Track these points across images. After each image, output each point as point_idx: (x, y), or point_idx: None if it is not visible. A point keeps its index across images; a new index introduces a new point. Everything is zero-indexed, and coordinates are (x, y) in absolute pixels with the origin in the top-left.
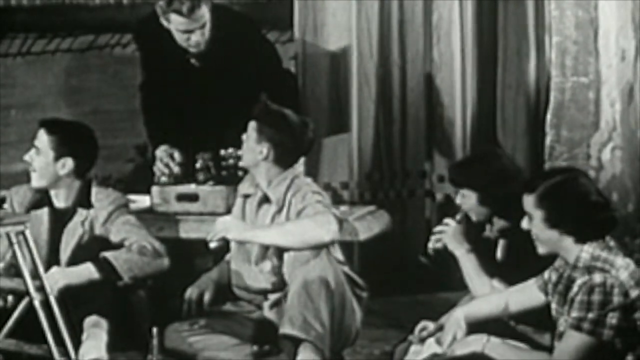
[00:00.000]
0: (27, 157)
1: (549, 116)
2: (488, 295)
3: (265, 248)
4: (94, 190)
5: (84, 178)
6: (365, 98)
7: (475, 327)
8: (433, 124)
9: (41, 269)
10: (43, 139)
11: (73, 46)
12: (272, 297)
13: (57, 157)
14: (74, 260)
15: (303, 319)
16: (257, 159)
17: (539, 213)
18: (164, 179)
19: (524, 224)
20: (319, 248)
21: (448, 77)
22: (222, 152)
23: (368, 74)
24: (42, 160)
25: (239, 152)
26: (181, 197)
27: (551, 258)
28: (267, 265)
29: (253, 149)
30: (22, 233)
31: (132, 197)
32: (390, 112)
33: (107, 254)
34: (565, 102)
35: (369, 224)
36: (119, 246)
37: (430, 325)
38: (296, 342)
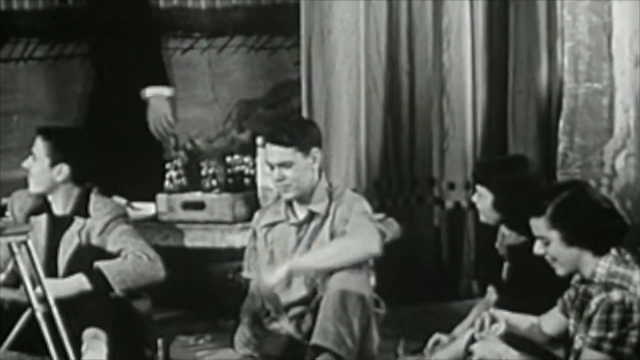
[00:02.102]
0: (25, 164)
1: (561, 123)
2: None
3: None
4: (93, 199)
5: (83, 185)
6: (373, 104)
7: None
8: (442, 131)
9: (44, 280)
10: (39, 145)
11: (76, 52)
12: (294, 309)
13: (53, 164)
14: (70, 270)
15: (337, 331)
16: None
17: (554, 234)
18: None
19: (537, 249)
20: (366, 260)
21: (458, 82)
22: (228, 159)
23: (376, 80)
24: (39, 166)
25: (246, 159)
26: (187, 205)
27: (559, 283)
28: (301, 279)
29: None
30: (24, 243)
31: (136, 204)
32: (399, 118)
33: (100, 264)
34: (578, 109)
35: None
36: (115, 256)
37: (444, 338)
38: (317, 352)
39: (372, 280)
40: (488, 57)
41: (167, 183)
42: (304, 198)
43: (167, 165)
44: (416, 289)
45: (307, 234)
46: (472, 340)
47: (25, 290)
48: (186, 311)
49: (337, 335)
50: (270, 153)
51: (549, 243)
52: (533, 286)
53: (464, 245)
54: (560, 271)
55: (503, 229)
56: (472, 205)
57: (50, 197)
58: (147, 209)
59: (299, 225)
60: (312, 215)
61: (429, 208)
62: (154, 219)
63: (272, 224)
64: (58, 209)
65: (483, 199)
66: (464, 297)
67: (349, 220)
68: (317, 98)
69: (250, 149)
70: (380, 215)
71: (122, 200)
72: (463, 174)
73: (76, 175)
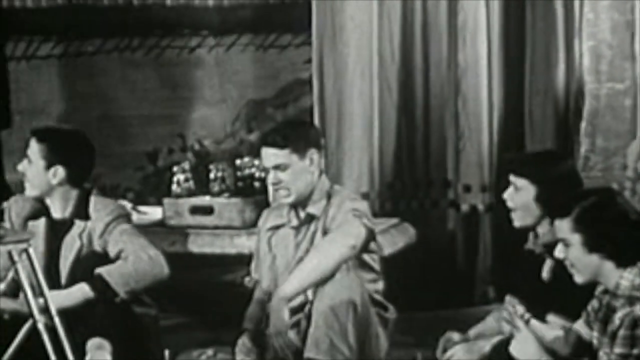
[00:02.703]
0: (20, 167)
1: (583, 124)
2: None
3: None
4: (93, 200)
5: (81, 187)
6: (387, 104)
7: None
8: (458, 132)
9: (46, 289)
10: (33, 147)
11: (80, 50)
12: (293, 317)
13: (48, 166)
14: (73, 275)
15: (329, 342)
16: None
17: (576, 237)
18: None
19: (558, 252)
20: (348, 259)
21: (474, 82)
22: (238, 161)
23: (390, 79)
24: (34, 169)
25: (256, 162)
26: (195, 210)
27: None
28: None
29: None
30: (25, 251)
31: (142, 208)
32: (413, 119)
33: (101, 270)
34: (600, 110)
35: (393, 238)
36: (116, 258)
37: (455, 336)
38: None
39: (380, 285)
40: (504, 56)
41: (174, 186)
42: (303, 201)
43: (175, 168)
44: (430, 295)
45: (306, 238)
46: (502, 344)
47: (26, 300)
48: (192, 318)
49: (331, 346)
50: (265, 156)
51: (570, 247)
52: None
53: (479, 250)
54: (578, 278)
55: (538, 228)
56: (488, 209)
57: (47, 201)
58: (153, 213)
59: (297, 229)
60: (310, 218)
61: (443, 211)
62: (161, 223)
63: (276, 227)
64: (56, 213)
65: (522, 192)
66: (479, 304)
67: (335, 219)
68: (329, 98)
69: (259, 151)
70: (395, 220)
71: (128, 204)
72: (479, 176)
73: (73, 177)
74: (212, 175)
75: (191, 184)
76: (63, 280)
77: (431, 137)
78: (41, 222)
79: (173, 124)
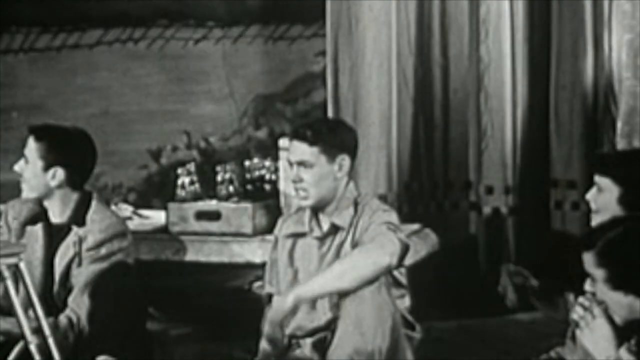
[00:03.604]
0: (16, 167)
1: (619, 124)
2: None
3: None
4: (93, 206)
5: (81, 190)
6: (404, 101)
7: None
8: (480, 130)
9: (39, 308)
10: (31, 146)
11: (80, 41)
12: (317, 335)
13: (47, 167)
14: (63, 286)
15: None
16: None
17: (600, 273)
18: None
19: (587, 286)
20: (380, 275)
21: (496, 77)
22: (247, 162)
23: (406, 74)
24: (31, 170)
25: (267, 163)
26: (201, 215)
27: None
28: (325, 301)
29: None
30: (16, 266)
31: (144, 212)
32: (431, 116)
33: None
34: (638, 108)
35: (415, 246)
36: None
37: None
38: None
39: (407, 301)
40: (529, 49)
41: (178, 190)
42: (324, 209)
43: (179, 170)
44: (450, 304)
45: (331, 251)
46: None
47: (17, 319)
48: (198, 329)
49: None
50: (292, 149)
51: (596, 282)
52: None
53: (503, 255)
54: (616, 317)
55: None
56: (512, 212)
57: (46, 203)
58: (156, 217)
59: (322, 240)
60: (335, 229)
61: (464, 214)
62: (164, 230)
63: (295, 235)
64: (55, 217)
65: (604, 193)
66: (503, 313)
67: (367, 231)
68: (344, 94)
69: (268, 148)
70: (415, 226)
71: (129, 208)
72: (502, 177)
73: (73, 179)
74: (219, 178)
75: (197, 187)
76: (55, 288)
77: (451, 135)
78: (39, 227)
79: (177, 120)
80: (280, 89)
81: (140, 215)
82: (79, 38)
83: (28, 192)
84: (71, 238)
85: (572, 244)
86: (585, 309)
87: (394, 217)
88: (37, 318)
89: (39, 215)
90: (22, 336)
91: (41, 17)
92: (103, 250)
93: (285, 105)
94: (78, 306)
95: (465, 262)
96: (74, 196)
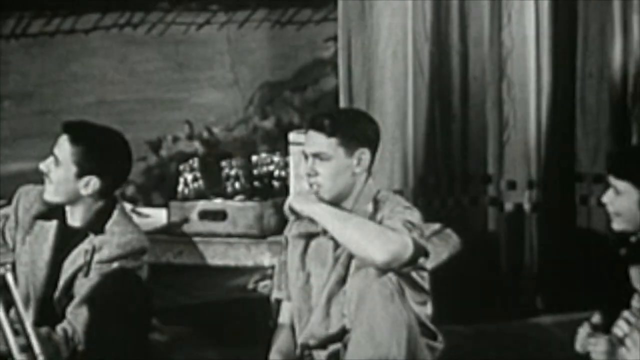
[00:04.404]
0: (42, 167)
1: None
2: None
3: (327, 279)
4: (115, 216)
5: (109, 198)
6: (420, 89)
7: None
8: (501, 120)
9: (28, 325)
10: (65, 148)
11: (75, 26)
12: (332, 346)
13: (81, 174)
14: (66, 295)
15: None
16: None
17: None
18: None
19: (635, 302)
20: (367, 265)
21: (519, 64)
22: (254, 158)
23: (422, 61)
24: (62, 174)
25: (275, 158)
26: (205, 215)
27: None
28: (339, 309)
29: None
30: (2, 278)
31: (145, 210)
32: (449, 105)
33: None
34: None
35: (436, 249)
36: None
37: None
38: None
39: (429, 308)
40: (554, 34)
41: (181, 187)
42: (340, 206)
43: (181, 166)
44: (469, 306)
45: (346, 251)
46: None
47: (4, 336)
48: (201, 334)
49: None
50: (307, 139)
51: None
52: None
53: (525, 255)
54: None
55: None
56: (535, 208)
57: (68, 207)
58: (157, 216)
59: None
60: None
61: (484, 210)
62: (166, 230)
63: (308, 236)
64: (74, 220)
65: (622, 197)
66: (525, 316)
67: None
68: (357, 83)
69: (275, 139)
70: (436, 226)
71: (127, 206)
72: (525, 171)
73: (106, 189)
74: (224, 174)
75: (200, 184)
76: (57, 294)
77: (470, 125)
78: (52, 226)
79: (179, 109)
80: (288, 76)
81: (139, 214)
82: (74, 23)
83: (54, 195)
84: (85, 245)
85: (599, 243)
86: (630, 324)
87: (416, 215)
88: (25, 335)
89: (55, 211)
90: (9, 355)
91: (34, 1)
92: (115, 266)
93: (293, 94)
94: (75, 318)
95: (485, 260)
96: (99, 204)
